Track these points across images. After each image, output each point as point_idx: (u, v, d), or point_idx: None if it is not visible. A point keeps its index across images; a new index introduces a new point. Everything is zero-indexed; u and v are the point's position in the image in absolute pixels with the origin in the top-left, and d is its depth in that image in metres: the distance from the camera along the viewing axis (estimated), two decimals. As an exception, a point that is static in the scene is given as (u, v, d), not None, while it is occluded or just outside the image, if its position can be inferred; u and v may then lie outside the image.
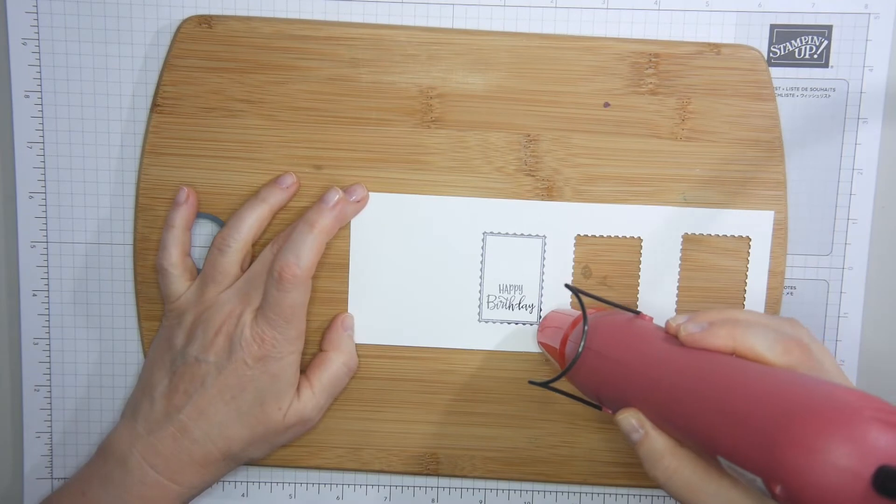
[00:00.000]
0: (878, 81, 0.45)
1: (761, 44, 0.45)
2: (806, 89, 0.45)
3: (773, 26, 0.44)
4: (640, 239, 0.45)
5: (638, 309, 0.39)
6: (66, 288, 0.47)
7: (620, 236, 0.45)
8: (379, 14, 0.45)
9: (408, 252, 0.45)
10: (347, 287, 0.45)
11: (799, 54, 0.45)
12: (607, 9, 0.45)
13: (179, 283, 0.44)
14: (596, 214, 0.44)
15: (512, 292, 0.45)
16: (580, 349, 0.37)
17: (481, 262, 0.45)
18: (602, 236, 0.45)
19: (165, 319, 0.44)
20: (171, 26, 0.45)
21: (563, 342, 0.40)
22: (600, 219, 0.44)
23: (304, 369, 0.44)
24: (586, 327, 0.37)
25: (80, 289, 0.47)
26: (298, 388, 0.43)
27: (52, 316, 0.47)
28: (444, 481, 0.48)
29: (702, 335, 0.32)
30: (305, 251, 0.41)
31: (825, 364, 0.32)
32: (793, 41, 0.45)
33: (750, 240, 0.44)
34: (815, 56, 0.45)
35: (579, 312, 0.41)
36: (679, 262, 0.45)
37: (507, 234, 0.45)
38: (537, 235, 0.45)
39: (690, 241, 0.44)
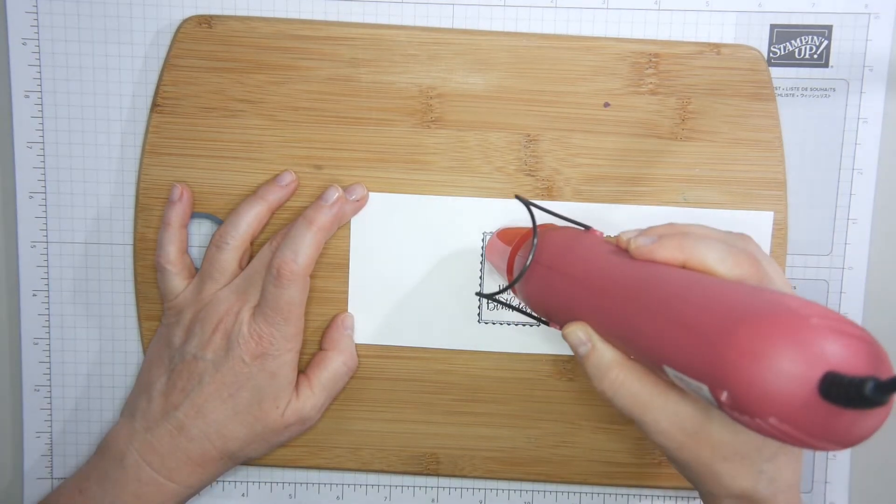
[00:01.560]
0: (878, 81, 0.45)
1: (761, 44, 0.45)
2: (806, 89, 0.45)
3: (773, 26, 0.45)
4: None
5: (588, 224, 0.38)
6: (66, 288, 0.47)
7: None
8: (379, 14, 0.45)
9: (408, 252, 0.45)
10: (347, 287, 0.45)
11: (799, 54, 0.45)
12: (607, 9, 0.45)
13: (177, 280, 0.44)
14: (595, 214, 0.44)
15: (512, 293, 0.45)
16: (528, 262, 0.37)
17: (481, 263, 0.45)
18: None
19: (164, 317, 0.44)
20: (171, 26, 0.45)
21: (512, 257, 0.40)
22: (599, 218, 0.44)
23: (304, 368, 0.44)
24: (535, 240, 0.37)
25: (80, 289, 0.47)
26: (297, 387, 0.43)
27: (52, 316, 0.47)
28: (444, 481, 0.48)
29: (651, 247, 0.32)
30: (304, 248, 0.41)
31: (774, 279, 0.32)
32: (793, 41, 0.45)
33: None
34: (815, 56, 0.45)
35: (528, 228, 0.40)
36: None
37: None
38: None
39: None
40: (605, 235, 0.38)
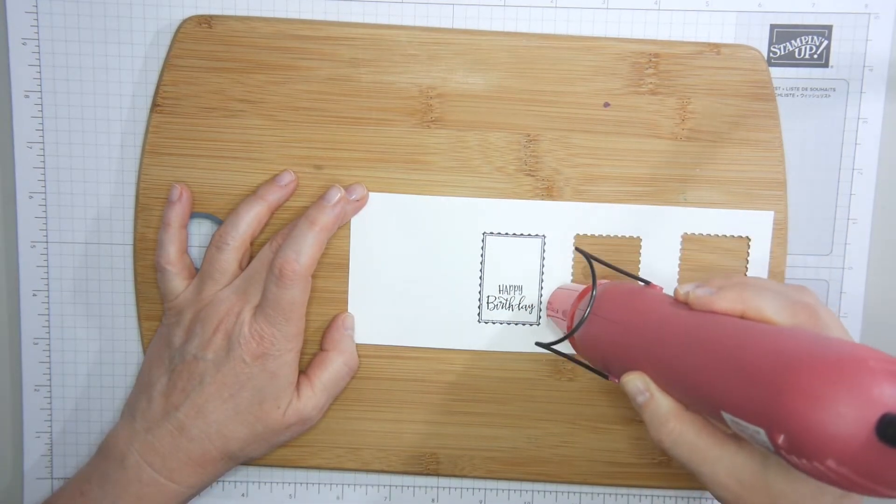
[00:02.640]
0: (878, 81, 0.45)
1: (761, 44, 0.45)
2: (806, 89, 0.45)
3: (773, 26, 0.44)
4: (639, 239, 0.45)
5: (648, 280, 0.39)
6: (66, 288, 0.47)
7: (620, 236, 0.45)
8: (379, 14, 0.45)
9: (408, 252, 0.45)
10: (347, 287, 0.45)
11: (799, 54, 0.45)
12: (607, 9, 0.45)
13: (177, 281, 0.44)
14: (595, 214, 0.44)
15: (512, 293, 0.45)
16: (587, 312, 0.37)
17: (481, 263, 0.45)
18: (602, 236, 0.45)
19: (164, 318, 0.44)
20: (171, 26, 0.45)
21: (572, 314, 0.40)
22: (600, 218, 0.44)
23: (305, 369, 0.44)
24: (595, 291, 0.37)
25: (80, 289, 0.47)
26: (298, 387, 0.43)
27: (52, 316, 0.47)
28: (444, 481, 0.48)
29: (711, 298, 0.32)
30: (306, 248, 0.41)
31: (832, 328, 0.32)
32: (793, 41, 0.45)
33: (749, 240, 0.44)
34: (815, 56, 0.45)
35: (584, 286, 0.41)
36: (679, 262, 0.45)
37: (506, 234, 0.45)
38: (537, 235, 0.45)
39: (690, 241, 0.44)
40: (663, 290, 0.38)
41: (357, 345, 0.46)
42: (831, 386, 0.23)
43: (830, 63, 0.45)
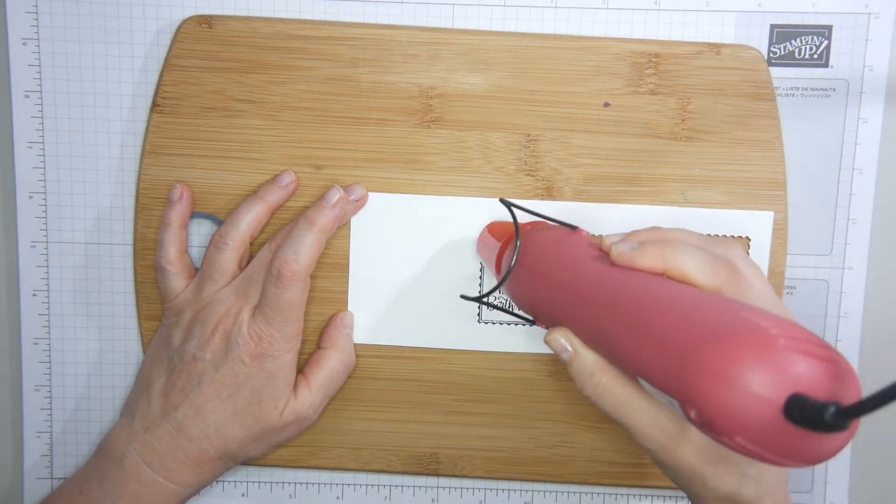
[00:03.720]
0: (878, 81, 0.45)
1: (761, 44, 0.45)
2: (806, 89, 0.45)
3: (773, 26, 0.44)
4: None
5: (575, 224, 0.38)
6: (66, 288, 0.47)
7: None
8: (379, 14, 0.45)
9: (408, 252, 0.45)
10: (347, 287, 0.45)
11: (799, 54, 0.45)
12: (607, 9, 0.45)
13: (177, 281, 0.43)
14: (595, 214, 0.44)
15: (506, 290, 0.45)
16: (512, 263, 0.37)
17: (481, 263, 0.45)
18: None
19: (164, 318, 0.44)
20: (171, 26, 0.45)
21: (500, 256, 0.40)
22: (600, 218, 0.44)
23: (302, 367, 0.44)
24: (518, 243, 0.37)
25: (80, 289, 0.47)
26: (296, 387, 0.43)
27: (52, 316, 0.47)
28: (444, 481, 0.48)
29: (631, 255, 0.32)
30: (305, 248, 0.41)
31: (755, 287, 0.32)
32: (793, 41, 0.45)
33: (749, 240, 0.44)
34: (815, 56, 0.45)
35: (508, 230, 0.41)
36: None
37: None
38: None
39: None
40: (591, 235, 0.38)
41: (357, 345, 0.46)
42: (740, 366, 0.23)
43: (830, 63, 0.45)
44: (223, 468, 0.43)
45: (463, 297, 0.41)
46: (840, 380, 0.23)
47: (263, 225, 0.44)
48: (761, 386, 0.23)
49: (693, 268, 0.31)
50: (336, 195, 0.43)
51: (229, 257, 0.43)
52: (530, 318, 0.38)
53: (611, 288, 0.31)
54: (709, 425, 0.24)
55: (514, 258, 0.37)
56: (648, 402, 0.32)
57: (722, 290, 0.30)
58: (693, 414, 0.25)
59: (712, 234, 0.44)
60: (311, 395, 0.43)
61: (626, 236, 0.34)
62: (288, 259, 0.41)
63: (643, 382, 0.32)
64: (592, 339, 0.32)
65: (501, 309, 0.40)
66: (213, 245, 0.43)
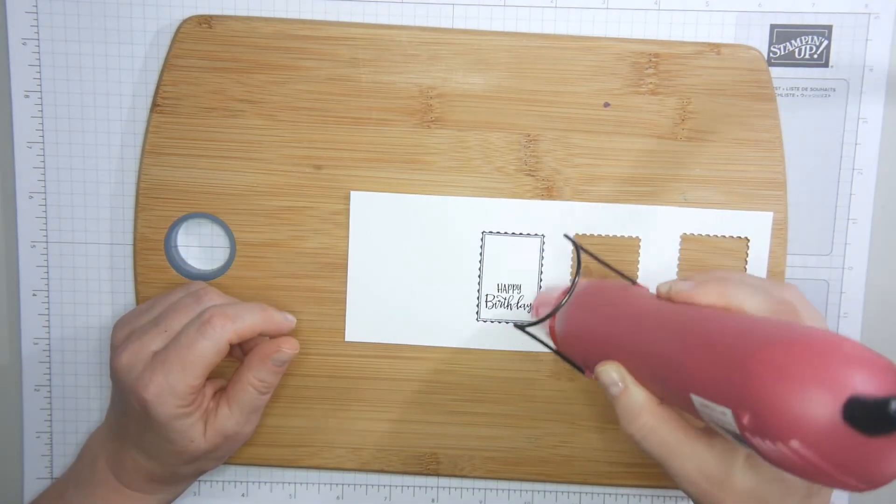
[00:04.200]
0: (878, 81, 0.45)
1: (761, 44, 0.45)
2: (806, 89, 0.45)
3: (773, 26, 0.44)
4: (638, 239, 0.45)
5: (634, 280, 0.39)
6: (66, 288, 0.47)
7: (619, 236, 0.45)
8: (379, 14, 0.45)
9: (407, 251, 0.45)
10: (346, 287, 0.45)
11: (799, 54, 0.45)
12: (607, 9, 0.45)
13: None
14: (594, 214, 0.44)
15: (510, 292, 0.45)
16: (569, 295, 0.37)
17: (480, 262, 0.45)
18: (601, 235, 0.45)
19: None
20: (171, 26, 0.45)
21: (555, 307, 0.40)
22: (599, 218, 0.44)
23: (227, 382, 0.42)
24: (578, 278, 0.38)
25: (80, 289, 0.47)
26: (217, 406, 0.40)
27: (51, 316, 0.47)
28: (444, 481, 0.48)
29: (691, 292, 0.32)
30: (248, 317, 0.39)
31: (816, 326, 0.32)
32: (793, 41, 0.45)
33: (749, 241, 0.44)
34: (815, 56, 0.45)
35: (568, 285, 0.41)
36: (677, 262, 0.45)
37: (505, 233, 0.45)
38: (536, 235, 0.45)
39: (689, 242, 0.44)
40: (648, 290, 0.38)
41: (357, 344, 0.46)
42: (800, 364, 0.23)
43: (830, 63, 0.45)
44: (185, 484, 0.44)
45: (516, 325, 0.41)
46: None
47: (225, 353, 0.39)
48: (820, 386, 0.22)
49: (753, 305, 0.31)
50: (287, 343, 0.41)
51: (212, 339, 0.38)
52: (578, 365, 0.38)
53: (670, 316, 0.31)
54: (763, 430, 0.23)
55: (571, 292, 0.37)
56: (693, 445, 0.31)
57: None
58: (747, 419, 0.24)
59: (712, 235, 0.44)
60: (231, 417, 0.40)
61: (682, 278, 0.34)
62: (226, 312, 0.38)
63: (691, 419, 0.32)
64: (643, 370, 0.32)
65: (552, 349, 0.41)
66: (195, 302, 0.40)
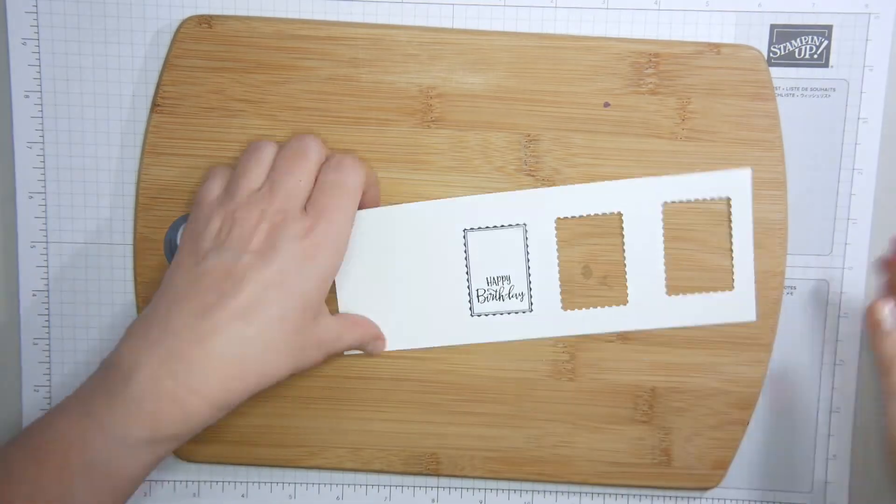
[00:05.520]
0: (878, 81, 0.45)
1: (761, 44, 0.45)
2: (806, 89, 0.45)
3: (773, 26, 0.45)
4: (620, 214, 0.44)
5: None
6: (65, 288, 0.47)
7: (601, 214, 0.44)
8: (379, 14, 0.45)
9: (394, 261, 0.44)
10: (336, 292, 0.45)
11: (799, 54, 0.45)
12: (607, 9, 0.45)
13: (215, 182, 0.41)
14: (573, 195, 0.44)
15: (500, 283, 0.45)
16: None
17: (465, 259, 0.45)
18: (583, 216, 0.44)
19: (187, 226, 0.41)
20: (171, 26, 0.45)
21: None
22: (578, 199, 0.44)
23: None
24: None
25: (80, 289, 0.47)
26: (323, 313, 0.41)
27: (51, 316, 0.47)
28: (444, 481, 0.48)
29: None
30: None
31: None
32: (793, 41, 0.45)
33: (730, 200, 0.44)
34: (815, 56, 0.45)
35: None
36: (662, 231, 0.44)
37: (486, 227, 0.44)
38: (517, 225, 0.44)
39: (671, 210, 0.44)
40: None
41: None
42: None
43: (830, 63, 0.45)
44: (254, 385, 0.37)
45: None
46: None
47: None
48: None
49: None
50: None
51: (267, 153, 0.41)
52: None
53: None
54: None
55: None
56: None
57: None
58: None
59: (693, 199, 0.44)
60: (334, 325, 0.41)
61: None
62: (347, 154, 0.40)
63: None
64: None
65: None
66: (252, 145, 0.41)
